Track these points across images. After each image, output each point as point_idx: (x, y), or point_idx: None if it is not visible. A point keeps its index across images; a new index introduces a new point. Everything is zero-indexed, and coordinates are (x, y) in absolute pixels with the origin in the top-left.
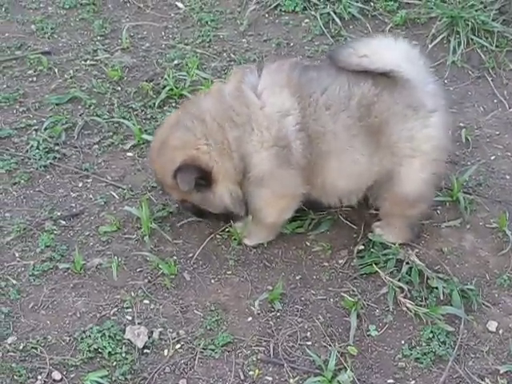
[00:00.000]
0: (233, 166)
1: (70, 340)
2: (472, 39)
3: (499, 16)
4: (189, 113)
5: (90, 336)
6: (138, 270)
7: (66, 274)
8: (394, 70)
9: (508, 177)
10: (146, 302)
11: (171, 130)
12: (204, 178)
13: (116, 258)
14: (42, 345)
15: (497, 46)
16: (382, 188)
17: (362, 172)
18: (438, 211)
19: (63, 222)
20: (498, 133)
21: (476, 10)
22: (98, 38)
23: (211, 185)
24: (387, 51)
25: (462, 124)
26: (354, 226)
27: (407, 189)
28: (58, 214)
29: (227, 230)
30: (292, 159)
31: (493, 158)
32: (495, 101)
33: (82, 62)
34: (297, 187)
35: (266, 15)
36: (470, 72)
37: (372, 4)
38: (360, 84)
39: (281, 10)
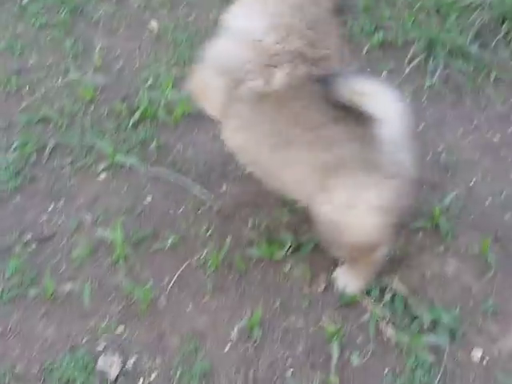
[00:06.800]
0: None
1: (39, 370)
2: (449, 62)
3: (476, 40)
4: None
5: (60, 366)
6: (112, 295)
7: (36, 300)
8: (375, 119)
9: (488, 202)
10: (120, 329)
11: None
12: None
13: (88, 283)
14: (10, 375)
15: (474, 70)
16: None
17: None
18: (420, 237)
19: (33, 246)
20: (476, 157)
21: (453, 34)
22: (70, 57)
23: None
24: (378, 98)
25: (440, 148)
26: None
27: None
28: (28, 237)
29: (203, 256)
30: None
31: (472, 182)
32: (473, 124)
33: (53, 82)
34: None
35: None
36: (447, 95)
37: (348, 26)
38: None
39: None
